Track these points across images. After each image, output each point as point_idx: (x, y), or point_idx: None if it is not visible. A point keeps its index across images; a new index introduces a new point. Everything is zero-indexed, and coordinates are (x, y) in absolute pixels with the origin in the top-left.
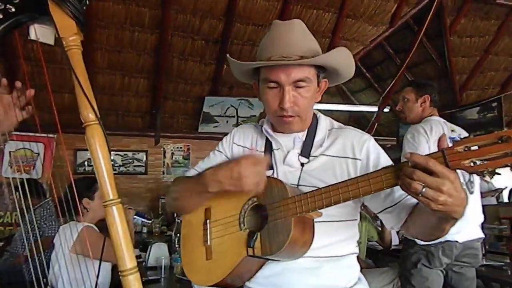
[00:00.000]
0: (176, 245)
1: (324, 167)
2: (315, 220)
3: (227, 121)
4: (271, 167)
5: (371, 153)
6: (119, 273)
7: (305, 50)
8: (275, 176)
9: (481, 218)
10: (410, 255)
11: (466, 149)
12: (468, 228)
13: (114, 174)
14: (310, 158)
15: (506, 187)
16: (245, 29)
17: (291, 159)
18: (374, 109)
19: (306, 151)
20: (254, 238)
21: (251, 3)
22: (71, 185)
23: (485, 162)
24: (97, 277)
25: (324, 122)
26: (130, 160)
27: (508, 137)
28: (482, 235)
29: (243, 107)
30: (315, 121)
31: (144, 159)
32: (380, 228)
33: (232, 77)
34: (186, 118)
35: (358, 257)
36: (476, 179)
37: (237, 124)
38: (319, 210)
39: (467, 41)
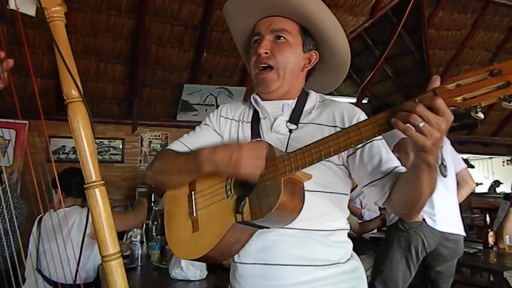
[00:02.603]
0: (153, 233)
1: (313, 135)
2: (305, 190)
3: (206, 110)
4: (257, 135)
5: None
6: (102, 258)
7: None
8: None
9: (458, 213)
10: (391, 243)
11: (457, 86)
12: (447, 217)
13: None
14: (299, 125)
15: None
16: None
17: (278, 125)
18: (353, 100)
19: (295, 118)
20: (243, 203)
21: None
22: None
23: (478, 97)
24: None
25: (315, 95)
26: (106, 148)
27: (499, 71)
28: (463, 233)
29: (222, 95)
30: (305, 92)
31: (121, 147)
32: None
33: (212, 64)
34: (164, 106)
35: None
36: (451, 165)
37: None
38: (310, 172)
39: (444, 34)
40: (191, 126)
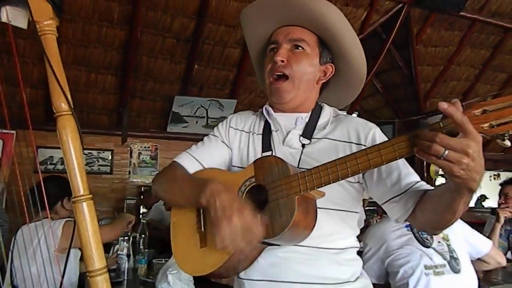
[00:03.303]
0: (141, 246)
1: (327, 151)
2: (318, 208)
3: (196, 122)
4: (269, 149)
5: (378, 140)
6: (87, 273)
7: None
8: None
9: None
10: None
11: (484, 111)
12: None
13: None
14: (312, 140)
15: None
16: (217, 29)
17: (291, 139)
18: (343, 113)
19: (308, 132)
20: None
21: (223, 4)
22: (47, 179)
23: (506, 124)
24: (65, 266)
25: (329, 109)
26: (95, 159)
27: None
28: None
29: (213, 108)
30: (319, 106)
31: (110, 158)
32: None
33: (203, 77)
34: (155, 118)
35: None
36: (466, 257)
37: (207, 125)
38: (321, 189)
39: (432, 50)
40: (182, 138)
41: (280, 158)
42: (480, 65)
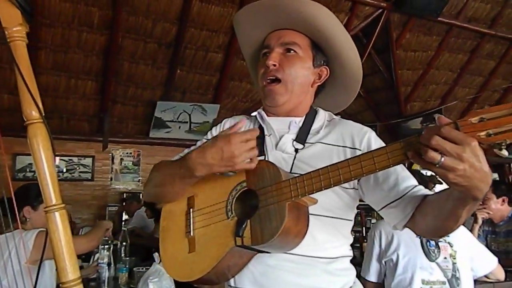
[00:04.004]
0: (122, 254)
1: (321, 155)
2: (309, 214)
3: (179, 127)
4: (261, 153)
5: (373, 145)
6: (60, 285)
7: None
8: None
9: None
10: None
11: (481, 120)
12: None
13: (58, 180)
14: (306, 144)
15: None
16: (199, 34)
17: (284, 143)
18: (338, 118)
19: (302, 137)
20: (244, 226)
21: (205, 9)
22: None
23: (503, 133)
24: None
25: (324, 113)
26: (76, 166)
27: None
28: None
29: (196, 113)
30: (313, 110)
31: (91, 164)
32: None
33: (186, 82)
34: (137, 123)
35: None
36: (469, 276)
37: (189, 130)
38: (315, 196)
39: (411, 55)
40: (164, 143)
41: (272, 163)
42: (458, 69)
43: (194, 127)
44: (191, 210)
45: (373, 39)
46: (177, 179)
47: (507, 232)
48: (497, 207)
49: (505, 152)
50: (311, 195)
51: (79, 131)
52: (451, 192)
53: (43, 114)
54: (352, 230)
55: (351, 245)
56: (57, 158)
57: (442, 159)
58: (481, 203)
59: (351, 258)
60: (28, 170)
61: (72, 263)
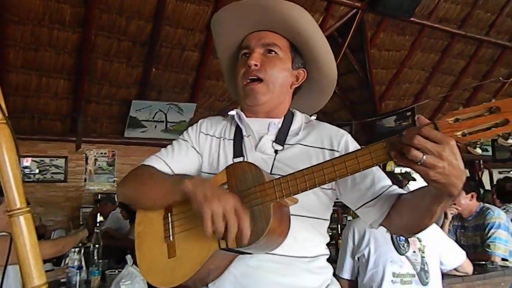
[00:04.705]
0: (95, 257)
1: (300, 157)
2: (290, 214)
3: (155, 126)
4: (240, 154)
5: (351, 147)
6: None
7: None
8: None
9: None
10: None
11: (456, 120)
12: None
13: (29, 181)
14: (285, 146)
15: None
16: (175, 32)
17: (264, 144)
18: (315, 120)
19: (281, 138)
20: None
21: (180, 7)
22: None
23: (477, 133)
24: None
25: (301, 115)
26: (48, 167)
27: (497, 108)
28: None
29: (172, 112)
30: (291, 112)
31: (64, 165)
32: None
33: (161, 81)
34: (111, 123)
35: None
36: (437, 269)
37: (166, 129)
38: (295, 196)
39: (385, 54)
40: (140, 143)
41: (254, 165)
42: (430, 68)
43: (171, 126)
44: (169, 214)
45: (348, 38)
46: (164, 194)
47: (475, 227)
48: (466, 202)
49: (478, 150)
50: (295, 196)
51: (51, 131)
52: (428, 189)
53: (7, 115)
54: (328, 227)
55: (327, 243)
56: (29, 159)
57: (424, 157)
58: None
59: (328, 256)
60: None
61: (38, 268)
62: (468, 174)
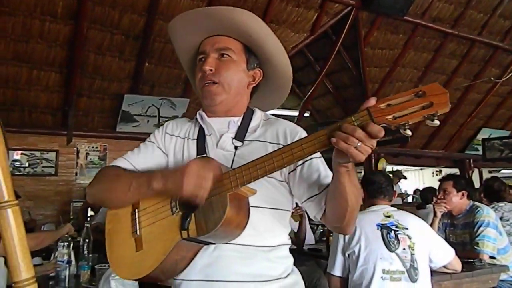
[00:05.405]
0: (85, 251)
1: (258, 152)
2: (250, 206)
3: (148, 121)
4: (203, 152)
5: None
6: (13, 284)
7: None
8: None
9: None
10: None
11: (388, 105)
12: None
13: (19, 175)
14: (245, 142)
15: (410, 195)
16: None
17: (224, 141)
18: (295, 113)
19: (240, 135)
20: (189, 219)
21: (174, 1)
22: None
23: (406, 116)
24: None
25: (260, 113)
26: (38, 161)
27: (423, 92)
28: None
29: (165, 106)
30: (250, 110)
31: (54, 159)
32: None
33: (154, 75)
34: (103, 117)
35: None
36: (426, 266)
37: (158, 124)
38: (255, 188)
39: (379, 52)
40: (132, 137)
41: (211, 158)
42: (423, 67)
43: (163, 121)
44: (136, 210)
45: (342, 36)
46: (132, 190)
47: (464, 225)
48: (457, 200)
49: (408, 132)
50: (250, 186)
51: (42, 124)
52: (334, 174)
53: None
54: (320, 225)
55: (320, 239)
56: (19, 152)
57: (359, 144)
58: (441, 197)
59: (289, 246)
60: None
61: (26, 261)
62: (458, 173)
